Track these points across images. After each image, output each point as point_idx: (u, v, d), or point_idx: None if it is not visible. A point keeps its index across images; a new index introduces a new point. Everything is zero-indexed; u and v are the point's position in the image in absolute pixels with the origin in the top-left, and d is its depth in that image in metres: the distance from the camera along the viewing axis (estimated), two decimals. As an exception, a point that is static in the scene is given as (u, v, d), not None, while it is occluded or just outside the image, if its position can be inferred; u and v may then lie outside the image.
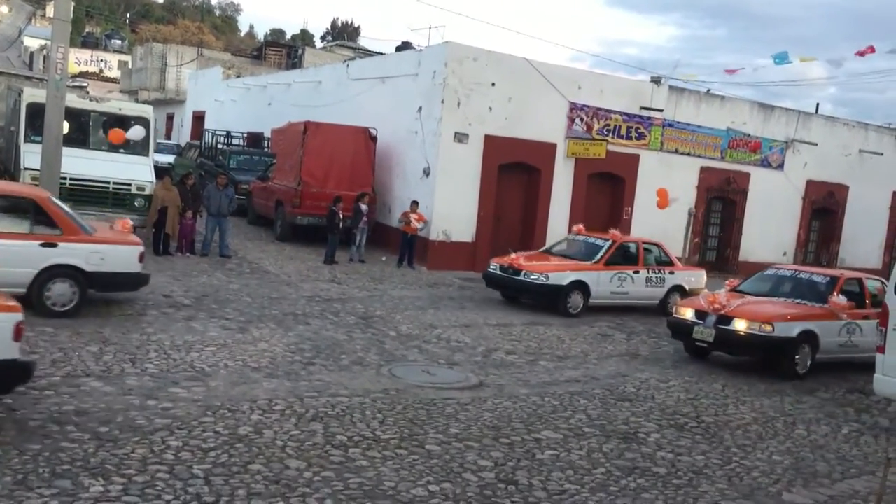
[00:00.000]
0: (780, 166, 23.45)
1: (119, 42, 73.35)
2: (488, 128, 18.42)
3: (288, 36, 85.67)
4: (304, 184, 18.47)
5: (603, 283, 14.84)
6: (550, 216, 19.62)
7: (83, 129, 15.95)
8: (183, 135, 38.82)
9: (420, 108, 18.63)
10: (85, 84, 46.87)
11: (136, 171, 15.84)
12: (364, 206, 17.57)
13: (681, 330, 11.89)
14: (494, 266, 15.06)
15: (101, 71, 66.24)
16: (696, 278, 16.47)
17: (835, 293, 11.74)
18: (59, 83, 13.21)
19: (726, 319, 11.22)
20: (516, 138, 18.77)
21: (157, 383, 7.80)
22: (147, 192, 15.64)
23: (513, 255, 15.05)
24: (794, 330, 11.03)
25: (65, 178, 14.23)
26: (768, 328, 10.90)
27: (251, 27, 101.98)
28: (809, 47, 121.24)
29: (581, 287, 14.53)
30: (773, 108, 23.44)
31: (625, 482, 6.62)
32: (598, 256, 15.03)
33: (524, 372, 9.96)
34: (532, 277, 14.29)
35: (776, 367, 11.18)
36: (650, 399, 9.39)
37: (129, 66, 53.85)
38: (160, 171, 17.35)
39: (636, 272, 15.24)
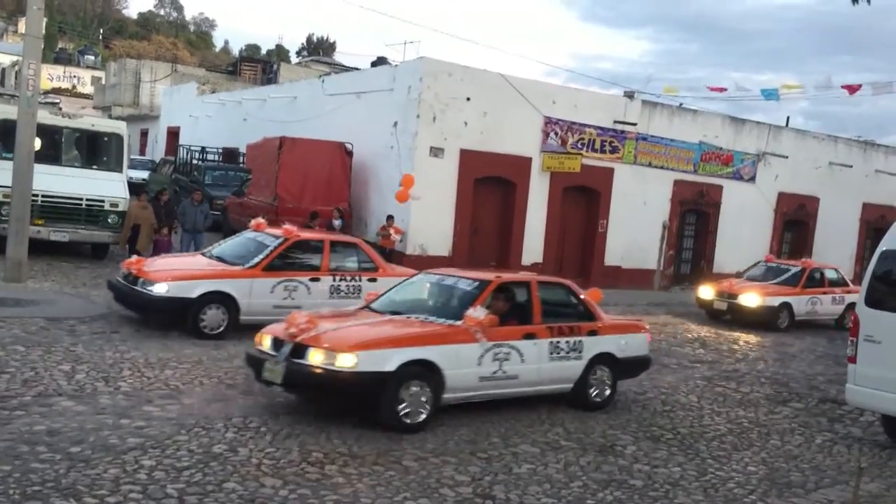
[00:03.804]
0: (752, 179, 23.75)
1: (92, 58, 72.74)
2: (464, 142, 18.50)
3: (263, 51, 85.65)
4: (280, 199, 18.41)
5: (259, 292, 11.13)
6: (526, 230, 19.71)
7: (56, 146, 15.81)
8: (157, 151, 38.58)
9: (395, 123, 18.67)
10: (57, 100, 46.27)
11: (110, 188, 15.72)
12: (337, 222, 17.55)
13: (255, 367, 8.06)
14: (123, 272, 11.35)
15: (74, 87, 65.63)
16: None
17: (477, 304, 8.35)
18: (30, 100, 13.10)
19: (301, 350, 7.63)
20: (492, 152, 18.87)
21: (130, 402, 7.71)
22: (121, 208, 15.52)
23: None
24: (394, 361, 7.53)
25: (37, 196, 14.09)
26: (348, 361, 7.38)
27: (226, 42, 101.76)
28: (780, 60, 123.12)
29: (226, 299, 10.90)
30: (744, 121, 23.78)
31: (601, 495, 6.63)
32: (256, 260, 11.34)
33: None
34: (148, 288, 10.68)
35: (376, 412, 7.61)
36: (627, 411, 9.43)
37: (103, 82, 53.43)
38: (135, 188, 17.23)
39: (314, 280, 11.62)
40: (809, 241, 25.58)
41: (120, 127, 17.13)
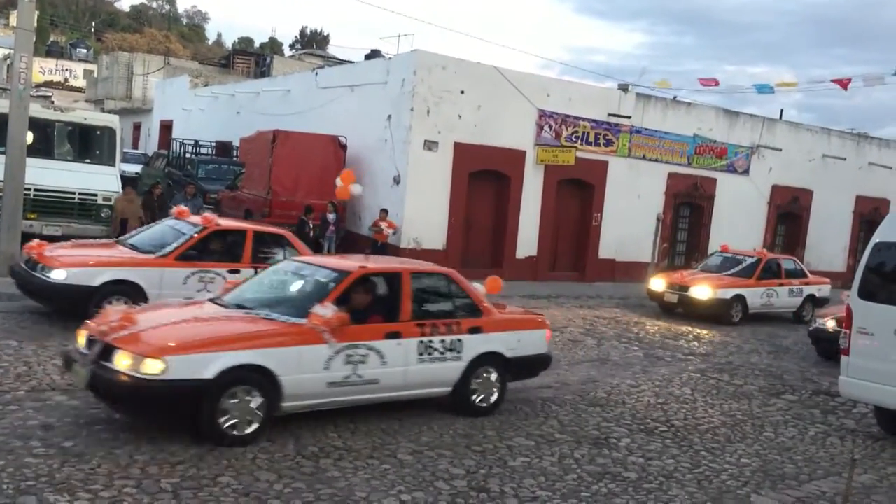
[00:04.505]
0: (746, 172, 23.78)
1: (84, 51, 72.49)
2: (458, 135, 18.48)
3: (256, 44, 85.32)
4: (274, 193, 18.37)
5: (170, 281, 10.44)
6: (521, 223, 19.71)
7: (48, 140, 15.74)
8: (150, 144, 38.44)
9: (389, 117, 18.63)
10: (50, 94, 46.26)
11: (102, 182, 15.67)
12: (331, 216, 17.52)
13: (67, 367, 7.16)
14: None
15: (66, 80, 65.41)
16: None
17: (329, 299, 7.34)
18: (22, 93, 13.03)
19: (110, 352, 6.54)
20: (486, 146, 18.84)
21: (124, 396, 7.67)
22: (114, 202, 15.47)
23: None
24: (214, 367, 6.46)
25: (29, 189, 14.04)
26: (154, 367, 6.30)
27: (219, 35, 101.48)
28: (775, 53, 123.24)
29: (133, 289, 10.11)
30: (738, 114, 23.78)
31: (596, 487, 6.65)
32: (170, 249, 10.67)
33: (496, 379, 9.96)
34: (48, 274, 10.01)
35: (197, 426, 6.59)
36: (621, 404, 9.45)
37: (95, 76, 53.24)
38: (124, 181, 17.18)
39: (233, 272, 10.66)
40: (803, 233, 25.66)
41: (112, 120, 17.07)
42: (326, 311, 7.09)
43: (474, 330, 8.22)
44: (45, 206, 14.95)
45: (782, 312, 18.06)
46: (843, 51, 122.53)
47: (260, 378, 6.72)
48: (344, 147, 19.34)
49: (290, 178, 18.64)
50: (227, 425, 6.57)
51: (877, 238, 9.07)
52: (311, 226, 17.12)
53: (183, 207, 12.04)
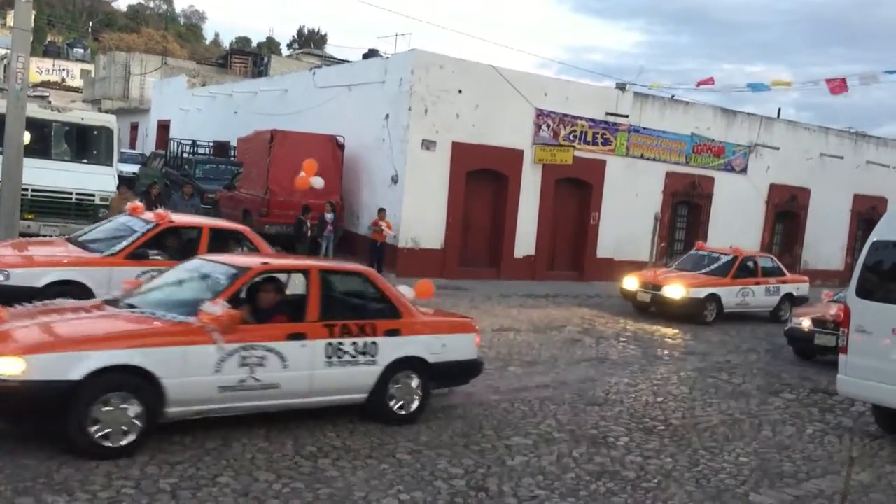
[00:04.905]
0: (744, 170, 23.80)
1: (81, 51, 72.40)
2: (456, 135, 18.48)
3: (254, 44, 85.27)
4: (272, 192, 18.37)
5: None
6: (518, 222, 19.72)
7: (45, 140, 15.69)
8: (148, 144, 38.41)
9: (387, 116, 18.63)
10: (47, 94, 46.06)
11: (100, 182, 15.63)
12: (329, 215, 17.51)
13: None
14: None
15: (64, 80, 65.33)
16: None
17: (221, 297, 6.81)
18: (19, 93, 13.00)
19: None
20: (484, 145, 18.85)
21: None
22: (109, 202, 15.44)
23: None
24: (83, 368, 5.95)
25: (26, 190, 14.01)
26: (13, 367, 5.84)
27: (216, 35, 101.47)
28: (773, 52, 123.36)
29: (80, 290, 9.43)
30: (735, 113, 23.81)
31: (594, 486, 6.66)
32: (120, 247, 10.16)
33: (494, 378, 9.97)
34: None
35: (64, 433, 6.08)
36: (619, 403, 9.46)
37: (92, 75, 53.18)
38: (119, 180, 17.16)
39: None
40: (801, 232, 25.69)
41: (110, 120, 17.03)
42: (216, 308, 6.56)
43: (392, 332, 7.66)
44: (42, 206, 14.91)
45: (759, 312, 17.60)
46: (840, 50, 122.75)
47: (138, 382, 6.17)
48: (342, 147, 19.33)
49: (288, 177, 18.59)
50: (98, 435, 5.99)
51: (874, 237, 9.08)
52: (309, 225, 17.12)
53: (137, 203, 11.48)
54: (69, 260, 9.93)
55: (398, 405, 7.72)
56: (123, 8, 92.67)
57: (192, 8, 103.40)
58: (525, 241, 19.89)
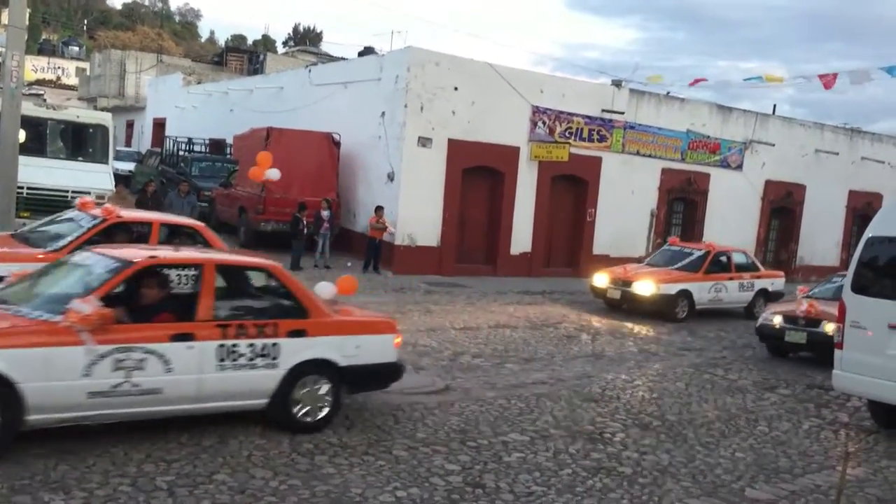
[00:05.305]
0: (739, 167, 23.83)
1: (76, 49, 72.27)
2: (452, 132, 18.48)
3: (249, 41, 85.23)
4: (268, 190, 18.35)
5: None
6: (515, 219, 19.72)
7: (40, 138, 15.70)
8: (143, 142, 38.37)
9: (383, 113, 18.62)
10: (42, 92, 46.16)
11: (96, 180, 15.64)
12: (325, 213, 17.51)
13: None
14: None
15: (59, 78, 65.24)
16: None
17: (95, 294, 6.22)
18: (14, 91, 12.98)
19: None
20: (480, 142, 18.85)
21: (119, 395, 7.64)
22: (105, 200, 15.44)
23: None
24: None
25: (22, 188, 14.00)
26: None
27: (212, 33, 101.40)
28: (768, 48, 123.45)
29: None
30: (731, 109, 23.83)
31: (591, 482, 6.67)
32: (62, 243, 9.52)
33: (491, 375, 9.99)
34: None
35: None
36: (615, 399, 9.47)
37: (87, 73, 53.02)
38: (116, 179, 17.16)
39: None
40: (796, 228, 25.74)
41: (105, 118, 17.04)
42: (85, 306, 5.94)
43: (296, 333, 7.01)
44: (38, 204, 14.89)
45: (733, 308, 17.14)
46: (835, 45, 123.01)
47: None
48: (338, 144, 19.33)
49: (284, 175, 18.62)
50: None
51: (870, 232, 9.10)
52: (305, 223, 17.12)
53: (87, 199, 11.12)
54: (8, 256, 9.24)
55: (303, 411, 7.08)
56: (118, 6, 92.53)
57: (188, 6, 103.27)
58: (521, 237, 19.90)
